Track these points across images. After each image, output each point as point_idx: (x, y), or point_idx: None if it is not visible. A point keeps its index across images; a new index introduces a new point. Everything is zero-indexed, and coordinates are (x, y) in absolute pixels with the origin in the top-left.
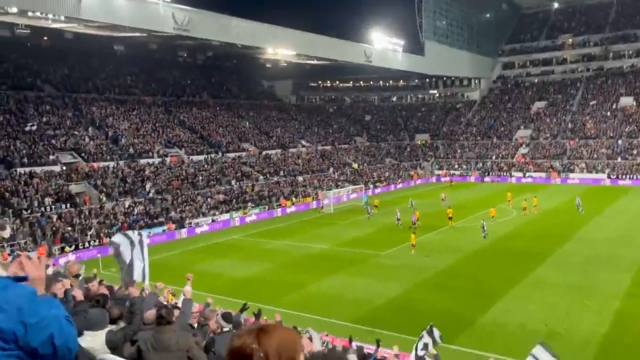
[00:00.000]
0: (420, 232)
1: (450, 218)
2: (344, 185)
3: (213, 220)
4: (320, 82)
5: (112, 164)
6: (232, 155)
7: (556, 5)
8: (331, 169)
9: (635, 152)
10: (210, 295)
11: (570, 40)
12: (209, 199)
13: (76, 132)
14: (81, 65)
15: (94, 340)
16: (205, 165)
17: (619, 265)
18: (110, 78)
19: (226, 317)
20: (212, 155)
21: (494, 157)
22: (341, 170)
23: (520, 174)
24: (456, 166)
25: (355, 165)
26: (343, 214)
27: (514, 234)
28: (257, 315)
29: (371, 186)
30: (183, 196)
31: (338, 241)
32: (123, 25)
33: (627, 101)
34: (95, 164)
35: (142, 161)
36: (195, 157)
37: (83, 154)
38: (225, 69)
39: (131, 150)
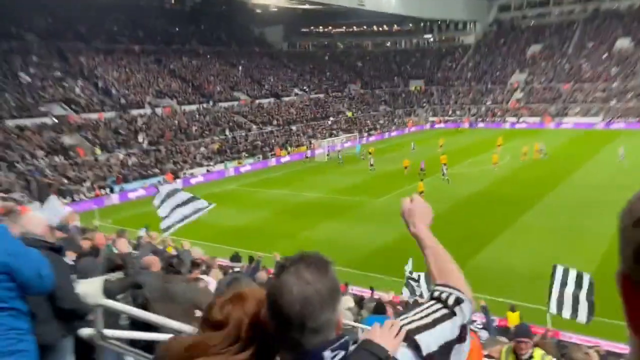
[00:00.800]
0: (415, 178)
1: (444, 164)
2: (338, 134)
3: (208, 171)
4: (312, 27)
5: (103, 114)
6: (224, 104)
7: None
8: (331, 119)
9: (629, 95)
10: (204, 244)
11: None
12: (202, 149)
13: (65, 84)
14: (64, 12)
15: (87, 286)
16: (198, 116)
17: (609, 209)
18: (95, 26)
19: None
20: (204, 105)
21: (488, 103)
22: (335, 118)
23: (514, 119)
24: (450, 112)
25: (349, 114)
26: (337, 163)
27: (506, 179)
28: (255, 268)
29: (365, 134)
30: (176, 147)
31: (333, 188)
32: None
33: (623, 43)
34: (86, 115)
35: (134, 112)
36: (187, 107)
37: (73, 106)
38: (215, 15)
39: (122, 101)
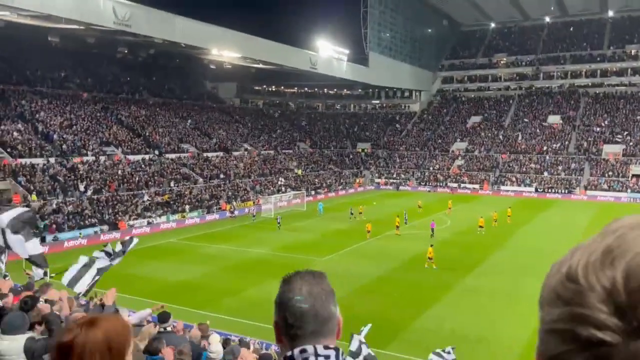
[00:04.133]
0: (361, 237)
1: (397, 227)
2: (286, 191)
3: (149, 223)
4: (265, 86)
5: (41, 160)
6: (171, 156)
7: (493, 25)
8: (280, 178)
9: (560, 167)
10: (143, 300)
11: (504, 59)
12: (145, 201)
13: (2, 126)
14: (11, 56)
15: (10, 344)
16: (143, 166)
17: (543, 273)
18: (43, 71)
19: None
20: (151, 156)
21: (431, 168)
22: (283, 175)
23: (455, 185)
24: (395, 175)
25: (298, 171)
26: (284, 219)
27: (451, 241)
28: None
29: (312, 192)
30: (119, 197)
31: (278, 246)
32: (59, 16)
33: (554, 119)
34: (22, 160)
35: (76, 159)
36: (132, 157)
37: (9, 149)
38: (167, 68)
39: (64, 147)
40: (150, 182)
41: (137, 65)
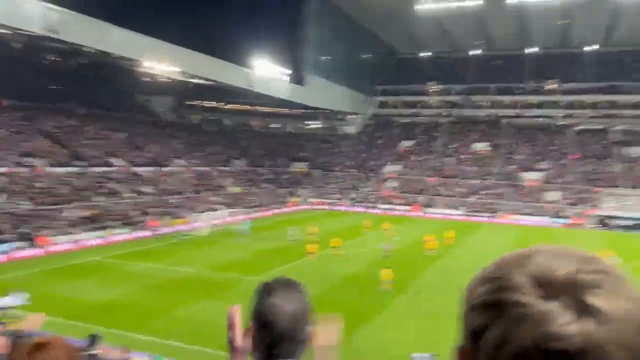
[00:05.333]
0: (294, 256)
1: (335, 248)
2: (220, 208)
3: (72, 239)
4: (201, 101)
5: None
6: (98, 169)
7: (426, 54)
8: (210, 193)
9: (485, 192)
10: (65, 322)
11: (435, 87)
12: (69, 216)
13: None
14: None
15: None
16: (68, 179)
17: None
18: None
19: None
20: (76, 169)
21: (365, 189)
22: (218, 192)
23: (387, 206)
24: (329, 196)
25: (233, 189)
26: (216, 237)
27: (380, 262)
28: (92, 341)
29: (247, 211)
30: (40, 211)
31: (208, 264)
32: None
33: (480, 146)
34: None
35: None
36: (56, 170)
37: None
38: (98, 78)
39: None
40: (74, 197)
41: (65, 74)
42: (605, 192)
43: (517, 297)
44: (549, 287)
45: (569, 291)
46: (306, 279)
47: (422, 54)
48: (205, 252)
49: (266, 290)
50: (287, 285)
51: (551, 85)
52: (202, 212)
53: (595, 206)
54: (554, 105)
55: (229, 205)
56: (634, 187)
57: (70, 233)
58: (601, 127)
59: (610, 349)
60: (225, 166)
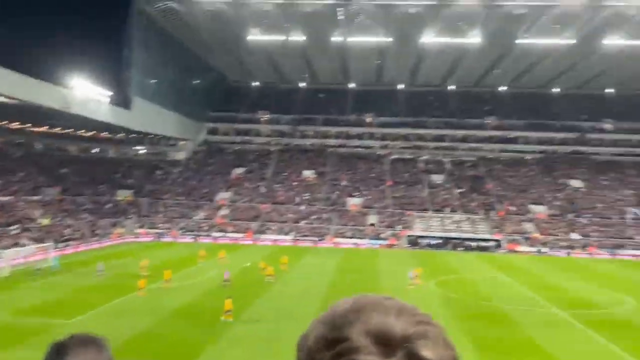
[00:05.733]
0: (117, 292)
1: (167, 280)
2: (28, 244)
3: None
4: (4, 122)
5: None
6: None
7: (256, 83)
8: (16, 226)
9: (314, 217)
10: None
11: (266, 116)
12: None
13: None
14: None
15: None
16: None
17: (302, 316)
18: None
19: None
20: None
21: (196, 217)
22: (25, 225)
23: (220, 234)
24: (159, 225)
25: (44, 221)
26: (23, 277)
27: (212, 291)
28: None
29: (61, 245)
30: None
31: (15, 309)
32: None
33: (308, 174)
34: None
35: None
36: None
37: None
38: None
39: None
40: None
41: None
42: (416, 215)
43: (361, 358)
44: (388, 345)
45: (404, 346)
46: (134, 316)
47: (252, 83)
48: (7, 295)
49: (58, 350)
50: (84, 342)
51: (369, 118)
52: (3, 248)
53: (408, 228)
54: (372, 136)
55: (38, 240)
56: (436, 211)
57: None
58: (411, 156)
59: None
60: (33, 195)
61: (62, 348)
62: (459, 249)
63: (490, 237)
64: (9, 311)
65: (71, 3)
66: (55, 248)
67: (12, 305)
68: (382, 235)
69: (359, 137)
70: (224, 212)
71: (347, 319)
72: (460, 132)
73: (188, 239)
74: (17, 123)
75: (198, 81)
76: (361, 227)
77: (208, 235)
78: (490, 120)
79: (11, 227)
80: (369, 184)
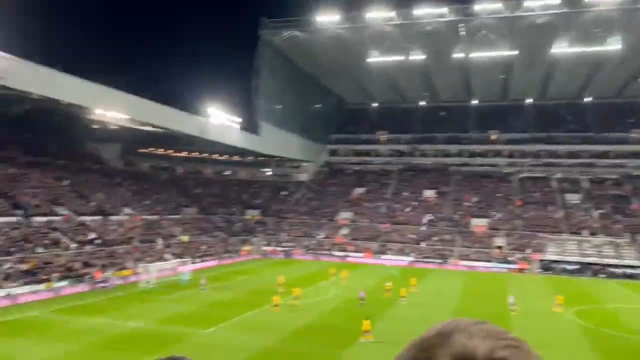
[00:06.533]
0: (248, 308)
1: (296, 297)
2: (169, 258)
3: (9, 294)
4: (151, 149)
5: None
6: (41, 219)
7: (375, 104)
8: (160, 241)
9: (435, 238)
10: None
11: (385, 136)
12: (6, 269)
13: None
14: None
15: None
16: (7, 230)
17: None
18: None
19: None
20: (16, 219)
21: (318, 236)
22: (168, 242)
23: (341, 253)
24: (283, 243)
25: (184, 238)
26: (165, 289)
27: (334, 310)
28: None
29: (198, 260)
30: None
31: (157, 318)
32: None
33: (429, 194)
34: None
35: None
36: None
37: None
38: (43, 125)
39: None
40: (12, 248)
41: (6, 121)
42: (548, 237)
43: None
44: None
45: None
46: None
47: (371, 104)
48: (152, 305)
49: None
50: None
51: (493, 135)
52: (150, 262)
53: (539, 251)
54: (498, 154)
55: (178, 255)
56: (573, 233)
57: (7, 287)
58: (542, 174)
59: None
60: (175, 214)
61: None
62: (600, 275)
63: (639, 264)
64: (151, 320)
65: (205, 38)
66: (193, 263)
67: (156, 314)
68: (510, 259)
69: (483, 155)
70: (344, 231)
71: (434, 342)
72: (600, 147)
73: (309, 257)
74: (162, 149)
75: (319, 105)
76: (487, 250)
77: (329, 254)
78: (635, 134)
79: (156, 243)
80: (495, 204)
